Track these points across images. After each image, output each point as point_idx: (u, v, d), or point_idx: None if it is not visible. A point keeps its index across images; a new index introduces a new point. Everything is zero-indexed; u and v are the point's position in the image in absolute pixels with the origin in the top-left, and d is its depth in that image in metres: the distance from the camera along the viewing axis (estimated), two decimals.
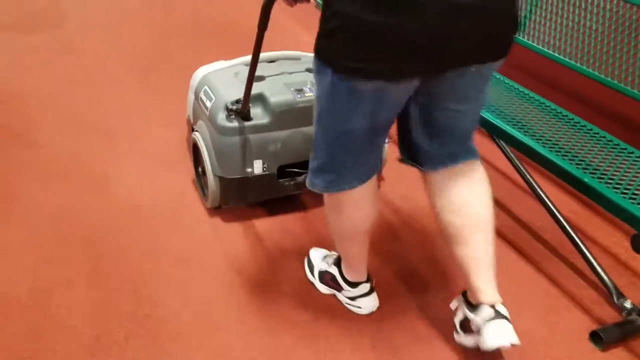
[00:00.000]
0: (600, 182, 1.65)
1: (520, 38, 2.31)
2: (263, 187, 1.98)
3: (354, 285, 1.64)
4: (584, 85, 2.29)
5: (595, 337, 1.62)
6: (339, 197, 1.42)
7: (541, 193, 2.01)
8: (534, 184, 2.05)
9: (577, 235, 1.85)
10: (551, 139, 1.88)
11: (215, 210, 2.04)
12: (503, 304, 1.38)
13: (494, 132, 2.04)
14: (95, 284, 1.73)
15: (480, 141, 1.62)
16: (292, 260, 1.85)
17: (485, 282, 1.40)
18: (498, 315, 1.35)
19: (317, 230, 1.99)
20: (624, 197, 1.59)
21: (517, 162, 2.13)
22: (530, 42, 2.27)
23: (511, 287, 1.78)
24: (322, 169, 1.39)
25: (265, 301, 1.70)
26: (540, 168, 1.88)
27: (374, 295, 1.67)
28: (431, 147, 1.41)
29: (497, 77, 2.29)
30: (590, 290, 1.81)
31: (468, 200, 1.44)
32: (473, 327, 1.41)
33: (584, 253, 1.80)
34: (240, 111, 1.86)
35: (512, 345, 1.33)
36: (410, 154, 1.47)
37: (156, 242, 1.90)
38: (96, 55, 3.30)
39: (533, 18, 2.26)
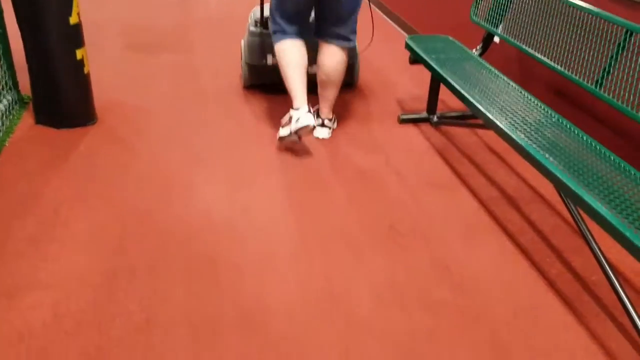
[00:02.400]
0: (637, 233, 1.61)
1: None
2: (272, 74, 3.16)
3: (296, 109, 2.65)
4: None
5: None
6: (279, 45, 2.75)
7: (595, 245, 1.97)
8: (589, 236, 2.01)
9: (625, 293, 1.79)
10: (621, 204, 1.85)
11: (248, 89, 3.45)
12: (330, 119, 2.96)
13: (561, 188, 2.04)
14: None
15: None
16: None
17: (325, 109, 2.93)
18: (323, 124, 2.94)
19: None
20: None
21: (576, 214, 2.11)
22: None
23: (550, 338, 1.77)
24: (274, 30, 2.77)
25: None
26: None
27: (311, 116, 2.61)
28: (323, 26, 2.73)
29: (580, 135, 2.27)
30: (632, 351, 1.73)
31: (327, 63, 2.78)
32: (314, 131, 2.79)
33: (629, 310, 1.74)
34: (261, 23, 3.10)
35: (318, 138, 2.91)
36: (316, 32, 2.80)
37: None
38: (210, 78, 3.66)
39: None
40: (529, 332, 1.80)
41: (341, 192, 2.51)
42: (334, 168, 2.70)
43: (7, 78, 2.96)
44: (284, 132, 2.69)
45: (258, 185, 2.53)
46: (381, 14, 5.41)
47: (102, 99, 3.23)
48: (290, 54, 2.73)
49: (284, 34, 2.75)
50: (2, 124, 2.80)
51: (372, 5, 3.81)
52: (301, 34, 2.77)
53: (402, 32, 4.88)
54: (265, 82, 3.36)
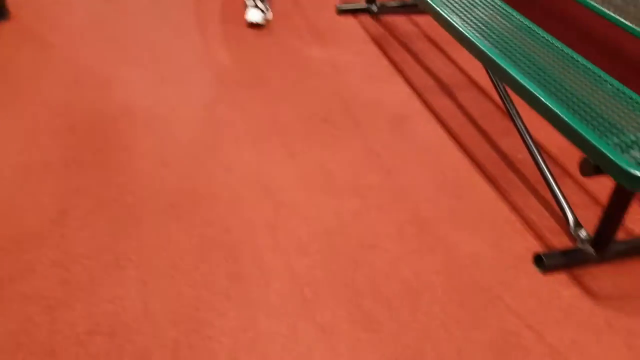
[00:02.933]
0: (558, 102, 1.59)
1: None
2: None
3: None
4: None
5: (538, 261, 1.61)
6: None
7: (520, 123, 1.97)
8: (517, 118, 2.02)
9: (548, 169, 1.82)
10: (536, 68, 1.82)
11: None
12: (262, 2, 2.85)
13: (489, 67, 1.99)
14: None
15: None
16: None
17: None
18: (256, 5, 2.83)
19: None
20: (575, 116, 1.53)
21: (505, 95, 2.10)
22: None
23: (472, 211, 1.80)
24: None
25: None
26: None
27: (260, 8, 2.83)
28: None
29: (512, 13, 2.21)
30: (551, 221, 1.79)
31: None
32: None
33: (550, 184, 1.77)
34: None
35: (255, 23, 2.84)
36: None
37: None
38: None
39: None
40: (453, 207, 1.82)
41: (277, 85, 2.42)
42: (270, 62, 2.59)
43: None
44: (246, 17, 2.90)
45: (187, 79, 2.41)
46: None
47: None
48: None
49: None
50: None
51: None
52: None
53: None
54: None
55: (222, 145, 2.03)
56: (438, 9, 2.08)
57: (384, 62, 2.66)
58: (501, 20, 2.07)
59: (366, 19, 3.06)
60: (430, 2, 2.14)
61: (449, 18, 2.02)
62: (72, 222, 1.66)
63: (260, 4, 2.90)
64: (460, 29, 1.94)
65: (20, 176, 1.82)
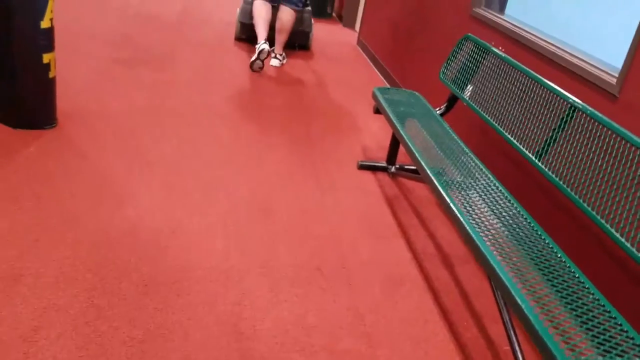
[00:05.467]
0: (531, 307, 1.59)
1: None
2: (252, 30, 4.79)
3: (259, 41, 4.45)
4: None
5: None
6: (254, 4, 4.63)
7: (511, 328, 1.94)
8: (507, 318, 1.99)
9: None
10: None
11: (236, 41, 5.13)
12: (281, 54, 4.77)
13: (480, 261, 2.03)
14: None
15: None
16: None
17: (278, 47, 4.67)
18: (276, 56, 4.72)
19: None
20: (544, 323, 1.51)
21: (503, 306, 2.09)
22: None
23: None
24: None
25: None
26: None
27: (267, 45, 4.41)
28: None
29: (534, 228, 2.28)
30: None
31: (282, 18, 4.55)
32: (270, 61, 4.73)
33: None
34: None
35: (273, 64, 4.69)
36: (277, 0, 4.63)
37: None
38: (182, 95, 3.70)
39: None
40: None
41: (279, 224, 2.49)
42: (280, 202, 2.69)
43: None
44: (252, 58, 4.47)
45: (194, 202, 2.52)
46: (368, 60, 5.50)
47: (68, 103, 3.26)
48: (259, 10, 4.63)
49: None
50: None
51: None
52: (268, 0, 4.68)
53: (385, 82, 4.95)
54: (249, 34, 5.10)
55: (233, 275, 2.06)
56: (444, 194, 2.17)
57: (391, 221, 2.72)
58: (515, 226, 2.12)
59: (384, 177, 3.19)
60: (435, 183, 2.23)
61: (452, 206, 2.09)
62: (42, 341, 1.67)
63: (279, 56, 4.78)
64: (465, 223, 2.00)
65: (6, 286, 1.88)
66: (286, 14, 4.62)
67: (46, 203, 2.35)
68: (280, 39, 4.70)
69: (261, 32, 4.55)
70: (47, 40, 2.80)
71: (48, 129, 2.96)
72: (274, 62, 4.74)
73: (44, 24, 2.74)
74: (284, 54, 4.84)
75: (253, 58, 4.43)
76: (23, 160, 2.63)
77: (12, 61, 2.76)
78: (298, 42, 5.32)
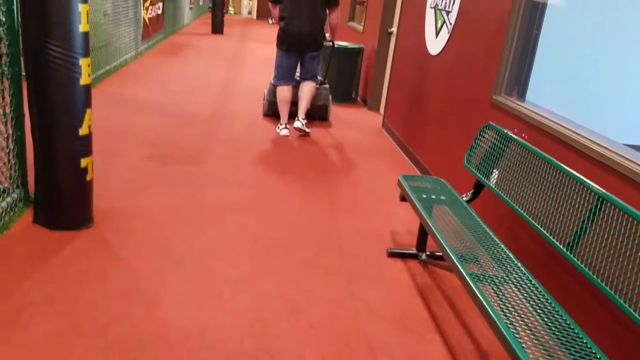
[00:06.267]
0: None
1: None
2: (276, 106, 5.70)
3: (281, 123, 5.47)
4: None
5: None
6: (278, 87, 5.46)
7: None
8: None
9: None
10: None
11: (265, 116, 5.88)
12: (304, 119, 5.41)
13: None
14: None
15: None
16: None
17: (301, 113, 5.40)
18: (300, 123, 5.35)
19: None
20: None
21: None
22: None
23: None
24: (276, 76, 5.45)
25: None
26: None
27: (288, 128, 5.42)
28: (302, 74, 5.48)
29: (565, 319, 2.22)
30: None
31: (304, 89, 5.45)
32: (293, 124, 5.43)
33: None
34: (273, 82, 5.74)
35: (299, 130, 5.39)
36: (299, 77, 5.54)
37: None
38: (213, 192, 3.80)
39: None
40: None
41: (307, 323, 2.47)
42: (307, 296, 2.68)
43: (16, 176, 3.15)
44: (277, 129, 5.50)
45: (221, 300, 2.52)
46: (392, 142, 5.59)
47: (103, 203, 3.37)
48: (282, 93, 5.47)
49: (280, 80, 5.45)
50: (1, 220, 2.94)
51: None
52: (290, 81, 5.47)
53: (410, 163, 5.00)
54: (274, 110, 5.93)
55: None
56: (473, 286, 2.13)
57: (424, 314, 2.67)
58: (545, 319, 2.07)
59: (415, 265, 3.15)
60: (464, 276, 2.20)
61: (482, 298, 2.05)
62: None
63: (302, 120, 5.40)
64: (494, 315, 1.96)
65: None
66: (307, 85, 5.44)
67: (80, 307, 2.39)
68: (302, 105, 5.41)
69: (283, 115, 5.46)
70: (84, 146, 2.95)
71: (84, 229, 3.06)
72: (297, 124, 5.33)
73: (82, 131, 2.90)
74: (306, 120, 5.49)
75: (277, 129, 5.51)
76: (59, 262, 2.71)
77: (53, 167, 2.91)
78: (318, 115, 6.12)
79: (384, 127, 6.22)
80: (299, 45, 5.22)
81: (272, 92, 5.85)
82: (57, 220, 3.01)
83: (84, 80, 2.82)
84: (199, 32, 13.77)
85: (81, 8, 2.71)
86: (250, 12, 20.06)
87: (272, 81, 5.76)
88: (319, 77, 5.75)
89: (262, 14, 19.79)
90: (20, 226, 3.01)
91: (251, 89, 7.54)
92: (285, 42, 5.20)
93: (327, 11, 5.28)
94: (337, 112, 6.83)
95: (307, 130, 5.38)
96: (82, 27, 2.74)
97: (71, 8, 2.66)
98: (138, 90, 6.62)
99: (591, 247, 2.11)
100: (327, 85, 6.07)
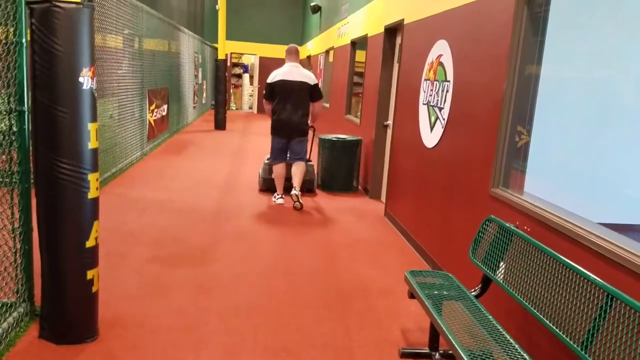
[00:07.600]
0: None
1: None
2: (272, 182, 6.88)
3: (278, 193, 6.71)
4: None
5: None
6: (274, 165, 6.71)
7: None
8: None
9: None
10: None
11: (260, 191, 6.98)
12: (298, 190, 6.50)
13: None
14: None
15: None
16: None
17: (296, 185, 6.52)
18: (296, 193, 6.43)
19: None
20: None
21: None
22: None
23: None
24: (272, 156, 6.74)
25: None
26: None
27: (283, 198, 6.67)
28: (291, 155, 6.67)
29: None
30: None
31: (297, 168, 6.61)
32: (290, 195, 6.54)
33: None
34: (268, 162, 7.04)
35: (293, 197, 6.42)
36: (288, 158, 6.71)
37: None
38: (218, 295, 3.77)
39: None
40: None
41: None
42: None
43: (23, 290, 3.14)
44: (273, 199, 6.69)
45: None
46: (396, 230, 5.60)
47: (108, 312, 3.34)
48: (277, 170, 6.65)
49: (275, 159, 6.67)
50: (6, 337, 2.90)
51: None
52: (283, 159, 6.65)
53: (423, 261, 4.98)
54: (268, 186, 7.00)
55: None
56: None
57: None
58: None
59: None
60: None
61: None
62: None
63: (296, 191, 6.39)
64: None
65: None
66: (300, 166, 6.62)
67: None
68: (296, 180, 6.56)
69: (279, 187, 6.69)
70: (91, 258, 2.97)
71: (89, 342, 3.02)
72: (293, 192, 6.42)
73: (89, 243, 2.94)
74: (300, 193, 6.50)
75: (272, 199, 6.72)
76: None
77: (59, 280, 2.91)
78: (306, 187, 7.12)
79: (386, 215, 6.26)
80: (288, 132, 6.54)
81: (266, 170, 7.05)
82: (63, 334, 2.98)
83: (92, 194, 2.89)
84: (203, 129, 14.19)
85: (90, 127, 2.83)
86: (251, 107, 20.80)
87: (265, 160, 7.09)
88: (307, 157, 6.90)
89: (262, 109, 20.45)
90: (26, 342, 2.97)
91: (254, 180, 7.67)
92: (277, 129, 6.58)
93: (311, 103, 6.59)
94: (339, 201, 6.91)
95: (301, 201, 6.36)
96: (92, 144, 2.84)
97: (81, 128, 2.78)
98: (144, 190, 6.74)
99: (606, 347, 2.07)
100: (311, 162, 7.34)
